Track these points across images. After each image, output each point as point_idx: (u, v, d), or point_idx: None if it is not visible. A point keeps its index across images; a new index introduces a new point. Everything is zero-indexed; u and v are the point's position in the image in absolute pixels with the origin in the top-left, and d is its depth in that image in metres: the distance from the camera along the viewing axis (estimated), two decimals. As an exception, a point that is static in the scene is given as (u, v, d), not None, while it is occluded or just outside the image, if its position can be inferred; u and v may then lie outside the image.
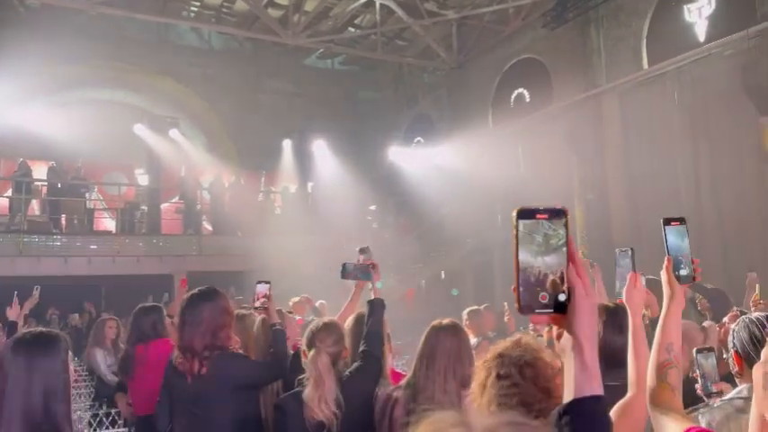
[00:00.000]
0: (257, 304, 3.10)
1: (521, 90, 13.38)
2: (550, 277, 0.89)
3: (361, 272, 2.94)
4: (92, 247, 11.59)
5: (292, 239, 12.95)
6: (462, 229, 13.47)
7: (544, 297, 0.89)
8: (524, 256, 0.89)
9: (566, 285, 0.90)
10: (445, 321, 2.39)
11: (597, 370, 0.91)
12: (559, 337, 0.94)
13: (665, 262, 1.73)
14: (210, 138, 15.90)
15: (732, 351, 2.04)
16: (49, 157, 12.52)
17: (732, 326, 2.11)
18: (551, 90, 12.24)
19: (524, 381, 1.43)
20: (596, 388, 0.89)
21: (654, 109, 10.25)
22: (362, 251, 3.00)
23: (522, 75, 13.20)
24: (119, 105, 14.95)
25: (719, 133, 9.16)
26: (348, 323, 2.76)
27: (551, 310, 0.90)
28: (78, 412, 5.04)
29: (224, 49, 16.34)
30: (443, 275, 14.43)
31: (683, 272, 1.72)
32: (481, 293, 12.01)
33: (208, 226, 13.60)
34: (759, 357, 1.88)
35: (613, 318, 2.29)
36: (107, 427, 4.91)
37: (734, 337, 2.04)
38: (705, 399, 2.31)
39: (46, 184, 12.43)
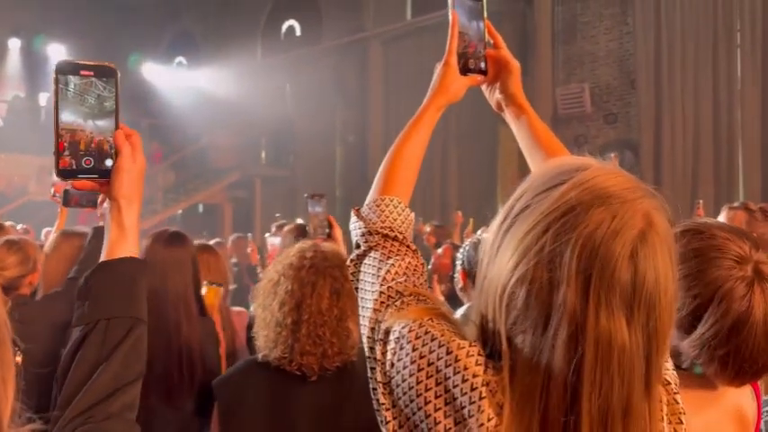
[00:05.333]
0: None
1: (292, 22, 13.06)
2: (97, 140, 0.85)
3: (87, 199, 2.55)
4: None
5: (19, 158, 11.14)
6: (224, 162, 12.94)
7: (89, 162, 0.85)
8: (72, 118, 0.83)
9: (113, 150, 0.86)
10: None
11: (135, 233, 0.90)
12: (103, 202, 0.92)
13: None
14: None
15: (459, 269, 2.22)
16: None
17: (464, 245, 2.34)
18: (321, 28, 12.17)
19: None
20: (132, 250, 0.89)
21: (413, 60, 10.85)
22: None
23: (294, 6, 12.87)
24: None
25: (467, 91, 10.09)
26: (51, 243, 2.38)
27: (96, 176, 0.86)
28: None
29: None
30: (201, 208, 13.81)
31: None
32: (240, 228, 11.78)
33: None
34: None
35: (301, 230, 2.42)
36: None
37: (462, 256, 2.21)
38: None
39: None
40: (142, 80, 13.51)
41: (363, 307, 0.85)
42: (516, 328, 0.68)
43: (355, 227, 0.94)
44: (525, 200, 0.71)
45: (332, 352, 1.52)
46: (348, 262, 0.92)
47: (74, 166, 0.84)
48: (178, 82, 13.57)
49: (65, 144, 0.83)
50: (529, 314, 0.66)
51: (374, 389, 0.77)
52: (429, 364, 0.70)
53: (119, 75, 0.86)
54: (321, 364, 1.52)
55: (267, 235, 5.15)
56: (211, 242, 4.83)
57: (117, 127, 0.86)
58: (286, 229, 2.63)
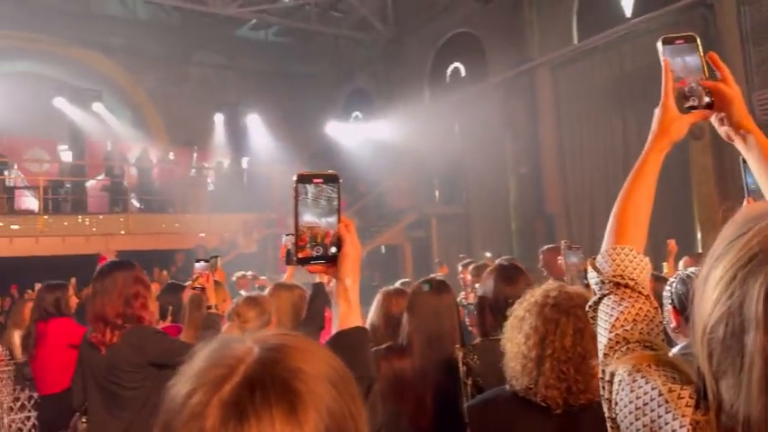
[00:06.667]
0: (196, 285, 3.09)
1: (456, 65, 13.45)
2: (330, 234, 1.03)
3: None
4: (13, 227, 10.97)
5: (228, 217, 12.71)
6: (401, 204, 13.53)
7: (319, 250, 1.03)
8: (310, 218, 1.02)
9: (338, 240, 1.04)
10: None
11: (358, 307, 1.06)
12: (329, 282, 1.04)
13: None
14: (137, 112, 15.23)
15: (670, 307, 2.05)
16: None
17: (669, 281, 2.12)
18: (486, 65, 12.36)
19: None
20: (358, 321, 1.05)
21: (584, 83, 10.53)
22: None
23: (457, 49, 13.25)
24: (36, 77, 14.04)
25: (646, 108, 9.46)
26: (286, 299, 2.69)
27: (324, 261, 1.04)
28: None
29: (150, 19, 15.58)
30: (383, 250, 14.51)
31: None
32: (419, 266, 12.14)
33: (136, 203, 13.10)
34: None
35: (503, 271, 2.40)
36: (29, 411, 4.69)
37: (671, 294, 2.04)
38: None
39: (-40, 162, 11.64)
40: (327, 137, 14.80)
41: (599, 350, 0.95)
42: (719, 369, 0.73)
43: (592, 276, 1.02)
44: (721, 247, 0.76)
45: (576, 389, 1.56)
46: (587, 308, 1.01)
47: (310, 255, 1.03)
48: (356, 135, 14.62)
49: (306, 239, 1.02)
50: (727, 356, 0.71)
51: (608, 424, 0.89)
52: (644, 404, 0.81)
53: (341, 180, 1.04)
54: (566, 399, 1.57)
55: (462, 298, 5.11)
56: (397, 283, 5.06)
57: (339, 220, 1.03)
58: (488, 270, 2.68)
